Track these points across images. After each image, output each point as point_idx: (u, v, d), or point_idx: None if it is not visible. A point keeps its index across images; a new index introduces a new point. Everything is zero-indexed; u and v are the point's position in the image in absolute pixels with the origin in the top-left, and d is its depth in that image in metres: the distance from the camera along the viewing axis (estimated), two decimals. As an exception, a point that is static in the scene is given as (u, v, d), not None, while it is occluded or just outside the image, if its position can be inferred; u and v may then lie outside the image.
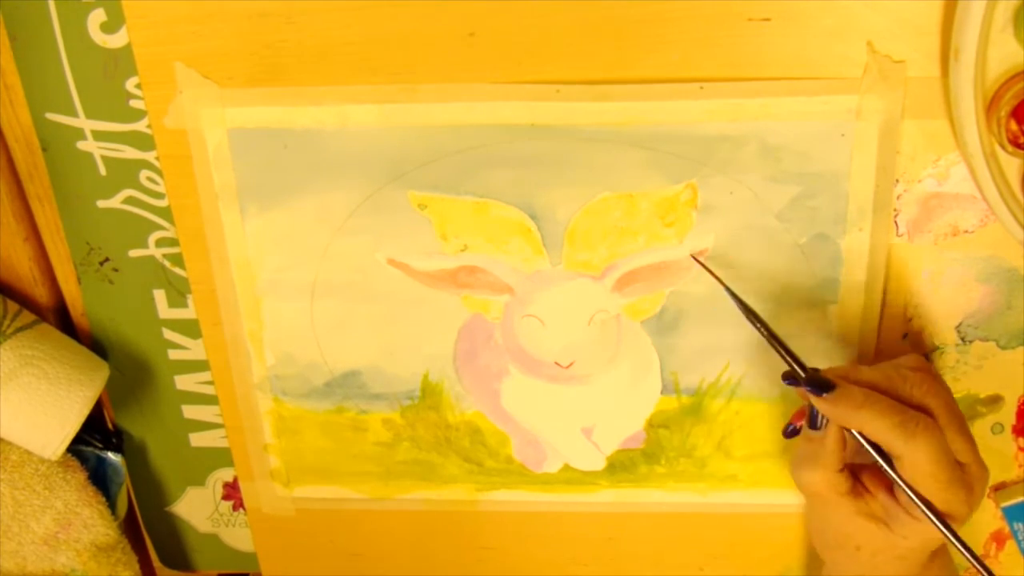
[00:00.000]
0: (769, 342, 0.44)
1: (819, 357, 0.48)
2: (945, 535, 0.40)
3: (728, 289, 0.45)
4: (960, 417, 0.42)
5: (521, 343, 0.50)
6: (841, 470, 0.43)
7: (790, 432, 0.46)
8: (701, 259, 0.46)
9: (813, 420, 0.43)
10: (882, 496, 0.43)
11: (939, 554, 0.44)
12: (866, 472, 0.44)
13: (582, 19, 0.43)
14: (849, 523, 0.44)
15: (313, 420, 0.53)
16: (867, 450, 0.41)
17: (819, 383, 0.42)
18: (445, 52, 0.44)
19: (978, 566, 0.40)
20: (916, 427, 0.40)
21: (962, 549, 0.40)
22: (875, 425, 0.40)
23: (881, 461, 0.41)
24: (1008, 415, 0.50)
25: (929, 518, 0.40)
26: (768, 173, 0.45)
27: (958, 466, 0.41)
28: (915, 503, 0.40)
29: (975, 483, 0.41)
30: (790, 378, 0.43)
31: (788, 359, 0.43)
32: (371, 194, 0.47)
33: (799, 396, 0.45)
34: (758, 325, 0.44)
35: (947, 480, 0.40)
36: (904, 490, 0.40)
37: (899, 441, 0.40)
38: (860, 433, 0.41)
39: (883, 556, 0.43)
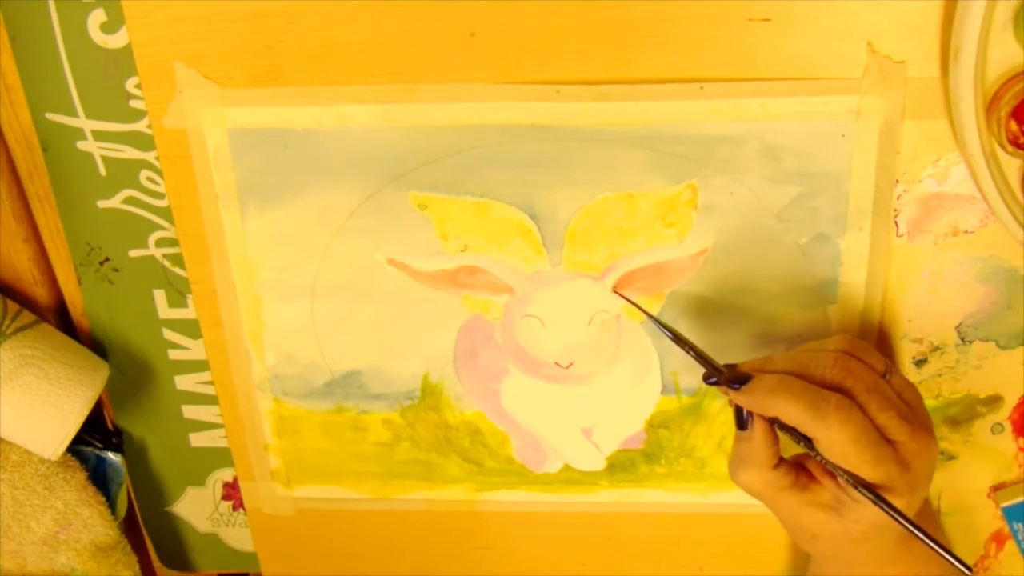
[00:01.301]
0: (679, 345, 0.44)
1: (819, 357, 0.49)
2: (882, 508, 0.39)
3: (623, 295, 0.46)
4: (883, 394, 0.40)
5: (521, 343, 0.50)
6: (777, 465, 0.43)
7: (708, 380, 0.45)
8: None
9: (740, 421, 0.43)
10: (829, 483, 0.42)
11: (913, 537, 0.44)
12: (812, 462, 0.44)
13: (582, 19, 0.43)
14: (801, 515, 0.43)
15: (313, 420, 0.54)
16: (790, 436, 0.41)
17: (735, 377, 0.42)
18: (445, 52, 0.44)
19: (931, 544, 0.39)
20: (828, 407, 0.39)
21: (903, 522, 0.39)
22: (788, 410, 0.40)
23: (806, 446, 0.41)
24: (1008, 415, 0.50)
25: (862, 492, 0.39)
26: (768, 173, 0.45)
27: (886, 443, 0.39)
28: (847, 480, 0.40)
29: (913, 459, 0.40)
30: (710, 378, 0.43)
31: (702, 360, 0.44)
32: (371, 194, 0.47)
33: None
34: (663, 328, 0.45)
35: (872, 458, 0.39)
36: (835, 470, 0.40)
37: (811, 422, 0.39)
38: (778, 420, 0.41)
39: (840, 542, 0.43)
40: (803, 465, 0.44)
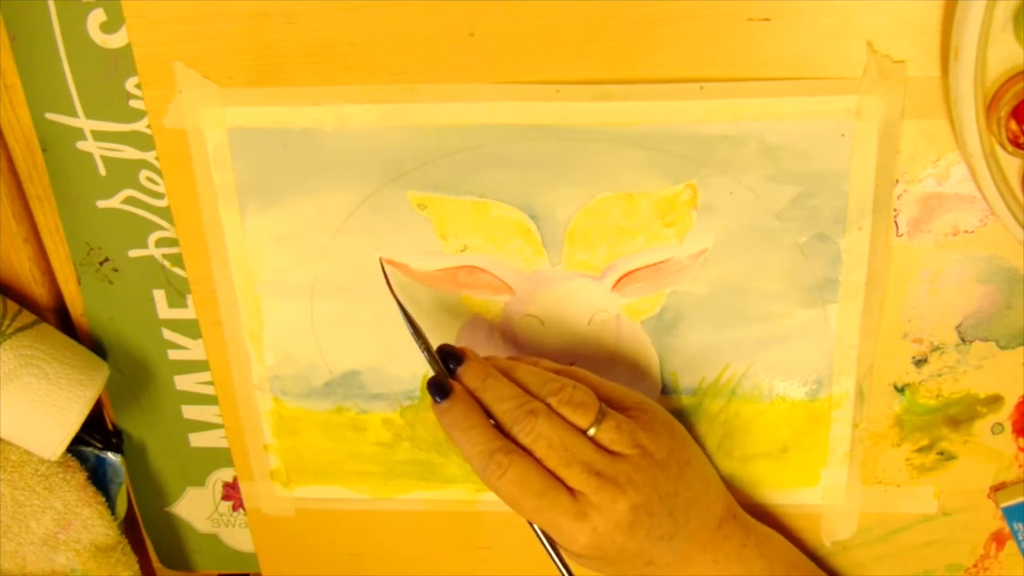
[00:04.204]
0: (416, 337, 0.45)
1: (819, 358, 0.49)
2: (544, 547, 0.43)
3: (392, 290, 0.47)
4: (569, 449, 0.41)
5: (521, 343, 0.50)
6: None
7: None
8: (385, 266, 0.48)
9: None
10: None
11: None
12: None
13: (582, 19, 0.43)
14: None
15: (313, 420, 0.53)
16: None
17: (440, 387, 0.43)
18: (445, 52, 0.44)
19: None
20: (490, 462, 0.41)
21: (554, 559, 0.43)
22: (464, 450, 0.42)
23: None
24: (1008, 415, 0.50)
25: (533, 529, 0.43)
26: (768, 173, 0.45)
27: (557, 492, 0.41)
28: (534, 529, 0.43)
29: (593, 511, 0.41)
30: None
31: (430, 355, 0.45)
32: (371, 194, 0.47)
33: None
34: (405, 315, 0.46)
35: (534, 508, 0.41)
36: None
37: (479, 470, 0.42)
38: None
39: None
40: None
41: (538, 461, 0.41)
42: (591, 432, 0.42)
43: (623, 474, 0.41)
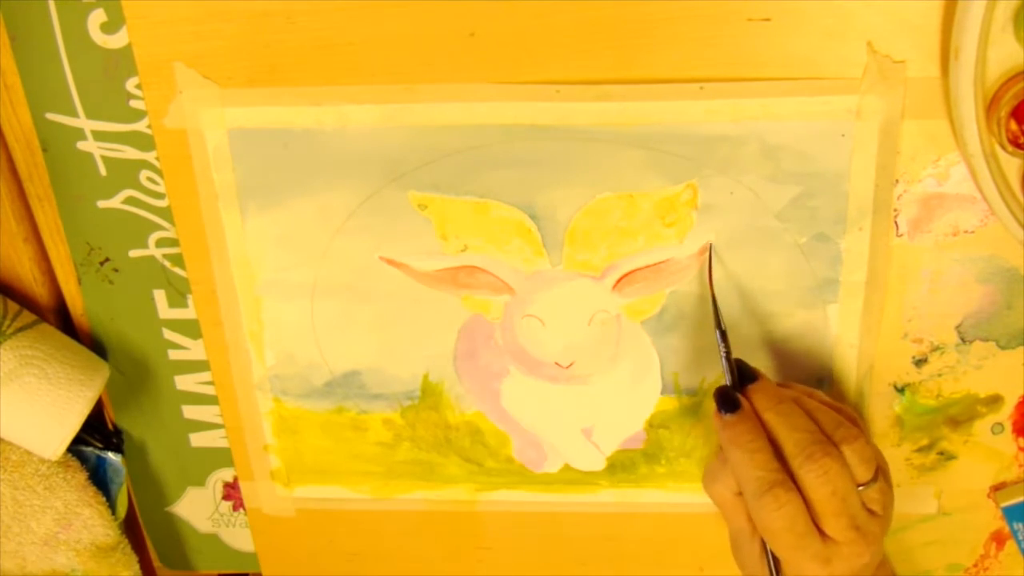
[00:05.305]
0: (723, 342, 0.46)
1: (819, 358, 0.49)
2: None
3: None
4: (845, 500, 0.41)
5: (521, 343, 0.50)
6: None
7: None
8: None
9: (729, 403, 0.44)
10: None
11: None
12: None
13: (582, 19, 0.43)
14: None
15: (313, 420, 0.54)
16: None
17: (727, 399, 0.44)
18: (445, 52, 0.44)
19: None
20: (767, 492, 0.41)
21: None
22: (737, 470, 0.43)
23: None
24: (1008, 415, 0.50)
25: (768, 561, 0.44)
26: (768, 173, 0.45)
27: (813, 536, 0.41)
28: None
29: (838, 560, 0.41)
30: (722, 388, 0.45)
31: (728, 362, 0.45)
32: (371, 194, 0.47)
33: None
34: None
35: (790, 547, 0.41)
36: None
37: (750, 497, 0.42)
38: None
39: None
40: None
41: (806, 500, 0.41)
42: (862, 488, 0.42)
43: (872, 533, 0.42)
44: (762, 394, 0.44)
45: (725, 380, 0.45)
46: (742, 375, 0.45)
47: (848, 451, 0.42)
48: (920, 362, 0.49)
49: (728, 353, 0.45)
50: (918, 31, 0.41)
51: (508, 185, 0.46)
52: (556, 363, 0.50)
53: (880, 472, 0.43)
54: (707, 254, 0.47)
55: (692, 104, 0.44)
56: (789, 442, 0.42)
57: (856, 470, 0.42)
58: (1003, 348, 0.48)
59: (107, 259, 0.52)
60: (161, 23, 0.44)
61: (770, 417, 0.43)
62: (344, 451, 0.54)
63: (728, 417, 0.43)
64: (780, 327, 0.48)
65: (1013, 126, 0.40)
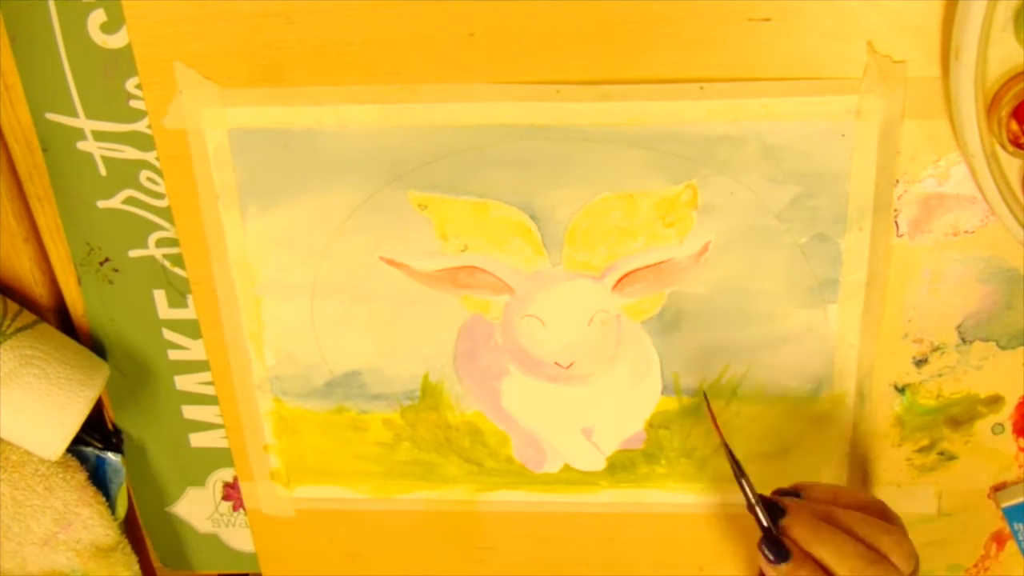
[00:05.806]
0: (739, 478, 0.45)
1: (819, 358, 0.49)
2: None
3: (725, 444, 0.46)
4: None
5: (521, 343, 0.50)
6: None
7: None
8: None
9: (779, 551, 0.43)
10: None
11: None
12: None
13: (582, 19, 0.43)
14: None
15: (313, 420, 0.53)
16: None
17: (772, 519, 0.43)
18: (445, 52, 0.44)
19: None
20: None
21: None
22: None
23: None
24: (1008, 415, 0.50)
25: None
26: (768, 173, 0.45)
27: None
28: None
29: None
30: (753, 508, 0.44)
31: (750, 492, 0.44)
32: (371, 194, 0.47)
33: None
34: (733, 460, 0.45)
35: None
36: None
37: None
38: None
39: None
40: None
41: None
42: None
43: None
44: (800, 527, 0.43)
45: (757, 525, 0.44)
46: (775, 511, 0.44)
47: (895, 557, 0.42)
48: (920, 362, 0.49)
49: (754, 499, 0.44)
50: (918, 31, 0.41)
51: (508, 185, 0.46)
52: (556, 363, 0.50)
53: (916, 561, 0.43)
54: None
55: (692, 104, 0.44)
56: (843, 568, 0.42)
57: (901, 568, 0.42)
58: (1003, 348, 0.48)
59: (107, 259, 0.52)
60: (161, 23, 0.44)
61: (816, 549, 0.42)
62: (344, 451, 0.54)
63: (784, 567, 0.42)
64: (780, 327, 0.48)
65: (1014, 126, 0.40)
